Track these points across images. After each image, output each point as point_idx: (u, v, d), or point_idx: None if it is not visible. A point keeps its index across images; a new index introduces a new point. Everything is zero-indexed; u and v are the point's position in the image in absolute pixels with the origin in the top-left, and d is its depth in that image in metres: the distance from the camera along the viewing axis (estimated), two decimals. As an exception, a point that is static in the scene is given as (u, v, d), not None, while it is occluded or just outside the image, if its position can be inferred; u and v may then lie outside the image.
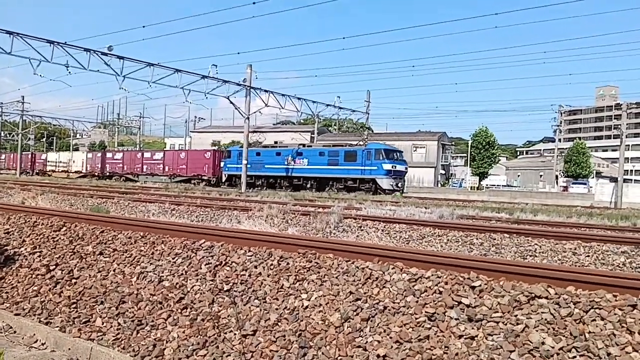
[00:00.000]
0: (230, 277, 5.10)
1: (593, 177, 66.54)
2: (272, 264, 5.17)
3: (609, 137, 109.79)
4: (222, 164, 41.66)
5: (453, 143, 71.28)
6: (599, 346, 3.19)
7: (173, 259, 5.79)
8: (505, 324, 3.54)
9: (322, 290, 4.52)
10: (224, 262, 5.44)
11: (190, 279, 5.25)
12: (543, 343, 3.29)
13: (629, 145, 70.97)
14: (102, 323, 4.77)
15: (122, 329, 4.61)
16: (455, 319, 3.71)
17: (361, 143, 36.90)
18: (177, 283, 5.21)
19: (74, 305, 5.20)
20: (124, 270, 5.79)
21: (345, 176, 34.52)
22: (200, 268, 5.41)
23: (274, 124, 78.67)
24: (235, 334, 4.19)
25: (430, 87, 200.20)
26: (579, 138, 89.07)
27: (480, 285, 4.02)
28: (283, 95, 38.23)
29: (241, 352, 3.93)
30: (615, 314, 3.43)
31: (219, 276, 5.18)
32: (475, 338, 3.50)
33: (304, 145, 38.87)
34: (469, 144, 61.02)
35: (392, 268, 4.60)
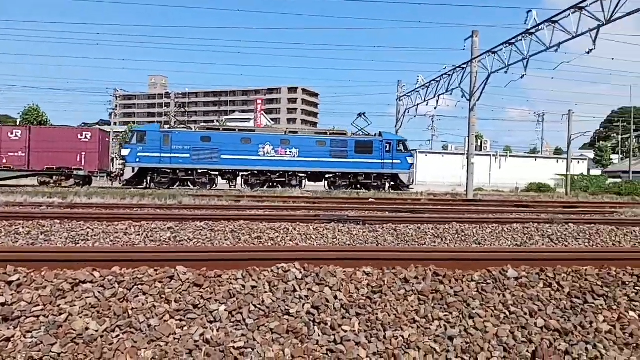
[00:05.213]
0: None
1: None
2: None
3: (160, 122, 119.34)
4: (125, 152, 26.80)
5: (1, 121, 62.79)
6: (140, 320, 3.39)
7: None
8: (47, 317, 3.32)
9: None
10: None
11: None
12: (87, 328, 3.25)
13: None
14: None
15: None
16: (-13, 323, 3.23)
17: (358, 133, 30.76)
18: None
19: None
20: None
21: (357, 171, 28.88)
22: None
23: None
24: None
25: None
26: (134, 122, 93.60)
27: (18, 279, 3.64)
28: None
29: None
30: (155, 287, 3.73)
31: None
32: (12, 339, 3.14)
33: (288, 131, 30.32)
34: (18, 123, 55.65)
35: None
